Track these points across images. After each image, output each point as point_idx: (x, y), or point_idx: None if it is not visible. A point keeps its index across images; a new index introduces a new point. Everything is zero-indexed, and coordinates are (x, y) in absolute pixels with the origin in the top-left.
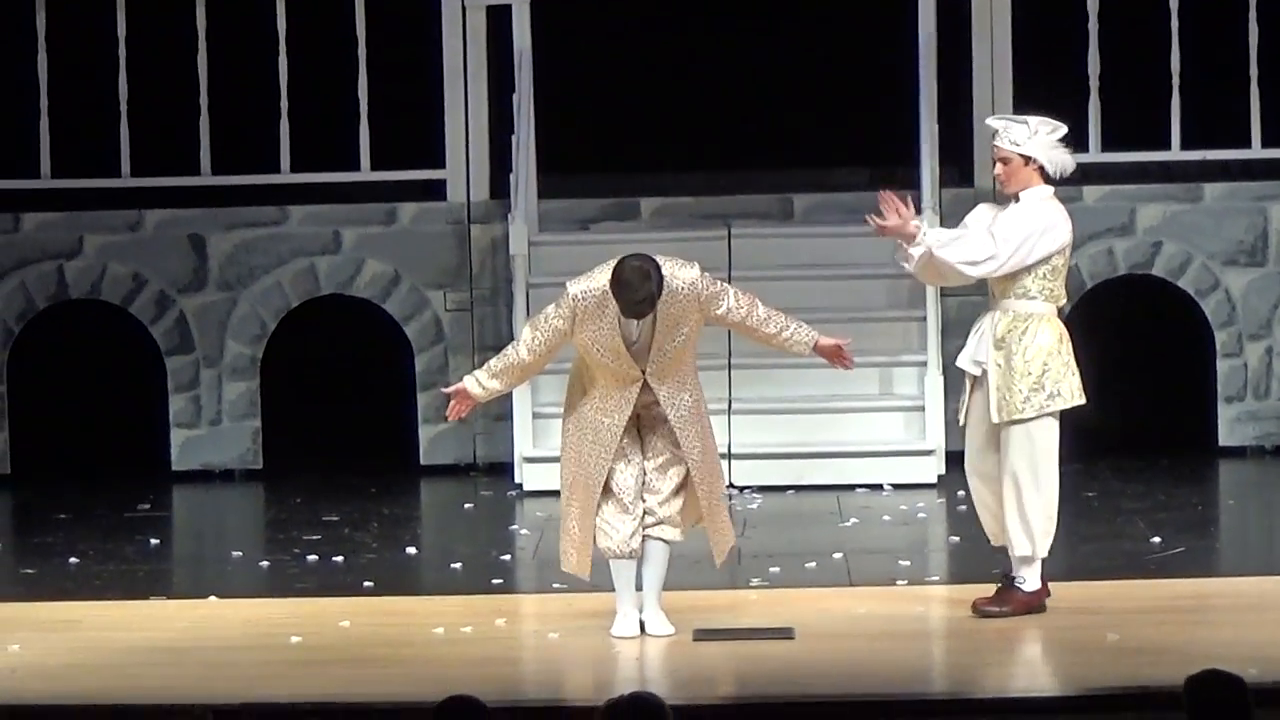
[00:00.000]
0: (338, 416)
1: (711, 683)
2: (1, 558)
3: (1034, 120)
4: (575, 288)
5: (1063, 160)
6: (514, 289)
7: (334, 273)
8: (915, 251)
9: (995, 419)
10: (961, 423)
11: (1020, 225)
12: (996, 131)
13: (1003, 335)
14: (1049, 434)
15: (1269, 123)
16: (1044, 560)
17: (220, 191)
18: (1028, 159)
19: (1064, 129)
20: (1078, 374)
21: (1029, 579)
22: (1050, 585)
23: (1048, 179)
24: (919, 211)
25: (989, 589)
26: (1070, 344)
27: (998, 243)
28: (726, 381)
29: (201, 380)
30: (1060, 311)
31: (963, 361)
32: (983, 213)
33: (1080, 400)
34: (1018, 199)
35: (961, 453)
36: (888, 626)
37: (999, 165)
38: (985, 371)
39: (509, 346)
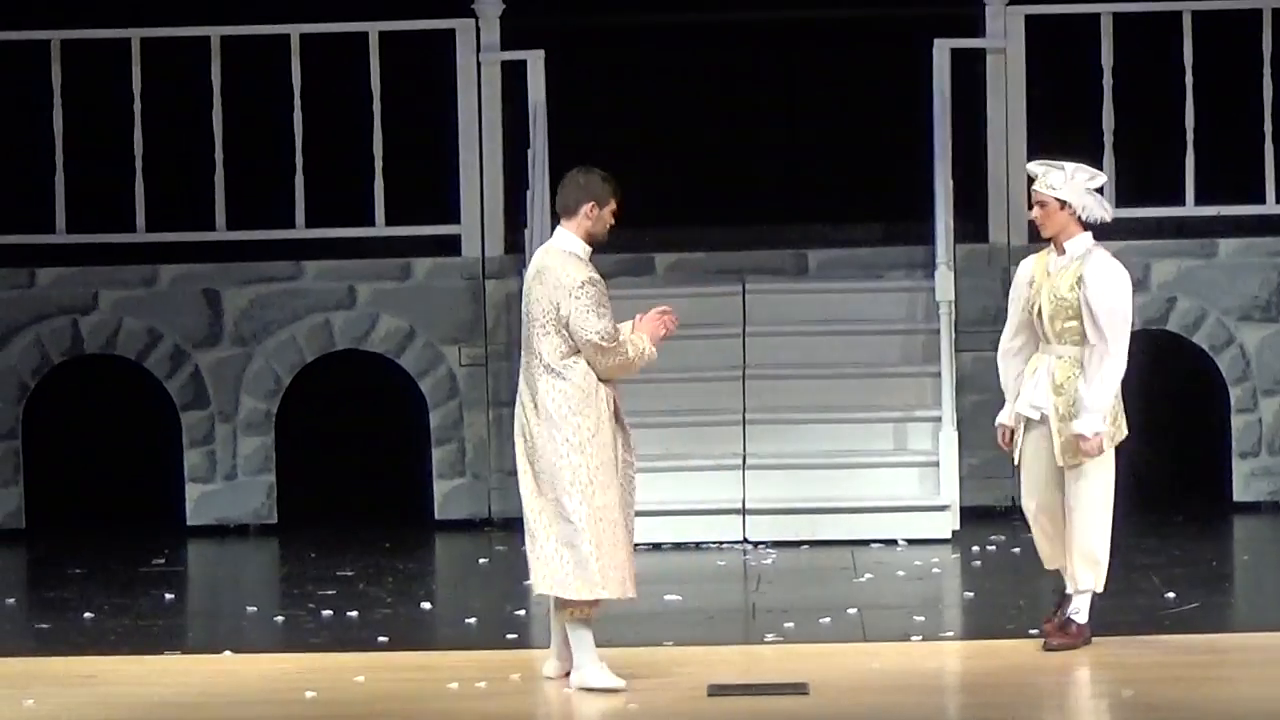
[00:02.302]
0: (352, 471)
1: None
2: (16, 612)
3: (1070, 166)
4: (589, 273)
5: (1095, 207)
6: None
7: (349, 328)
8: (1096, 427)
9: (1060, 462)
10: (1016, 462)
11: (1112, 307)
12: (1035, 176)
13: (1062, 381)
14: (1109, 472)
15: None
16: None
17: (235, 246)
18: (1063, 203)
19: (1102, 177)
20: (1120, 416)
21: (1083, 610)
22: None
23: (1085, 224)
24: (934, 267)
25: (1003, 644)
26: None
27: (1109, 340)
28: (741, 436)
29: (216, 435)
30: None
31: (1021, 406)
32: (1024, 272)
33: (1125, 432)
34: (1062, 249)
35: (976, 508)
36: (902, 682)
37: (1036, 209)
38: (1044, 415)
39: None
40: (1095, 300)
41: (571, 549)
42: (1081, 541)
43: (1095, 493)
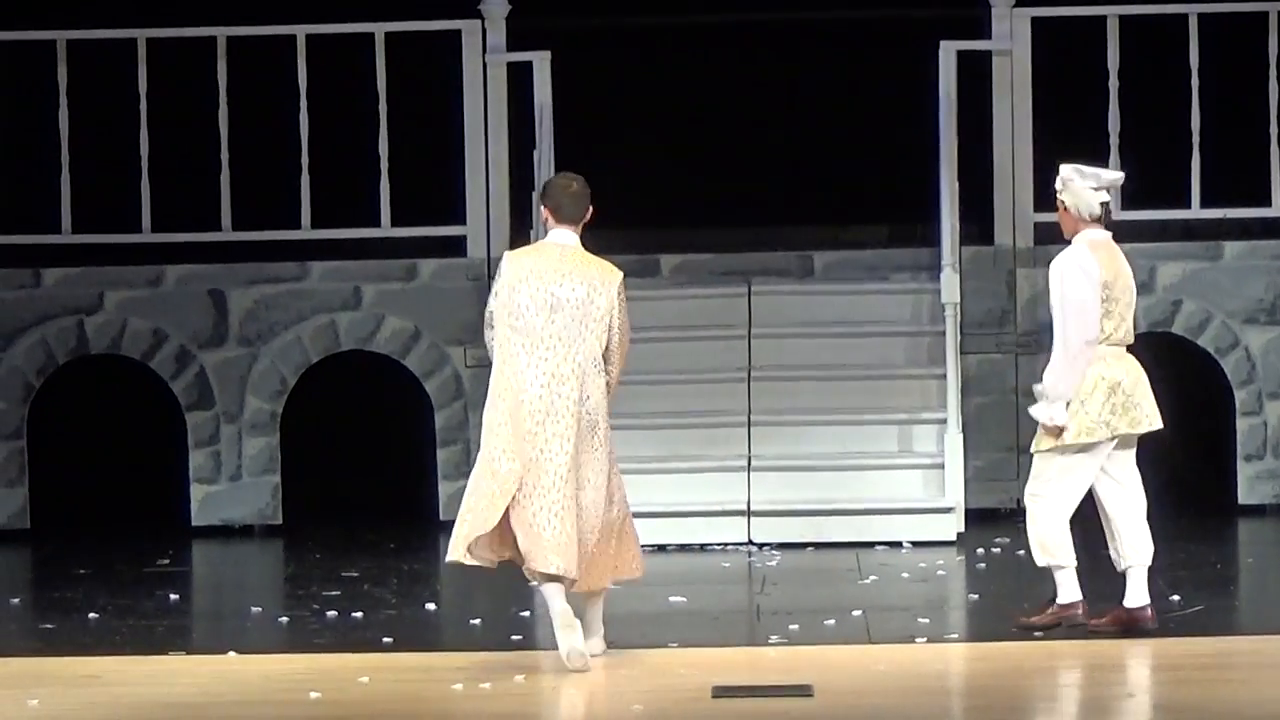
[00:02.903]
0: (357, 472)
1: None
2: (21, 612)
3: (1065, 169)
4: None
5: (1084, 202)
6: None
7: (354, 328)
8: (1059, 404)
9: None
10: None
11: (1054, 297)
12: None
13: (1042, 371)
14: (1062, 463)
15: None
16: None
17: (241, 247)
18: (1065, 206)
19: (1096, 172)
20: (1096, 412)
21: (1060, 593)
22: (1067, 645)
23: (1097, 221)
24: (939, 269)
25: (1008, 647)
26: (1105, 381)
27: (1059, 326)
28: (746, 438)
29: (221, 436)
30: (1132, 349)
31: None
32: None
33: (1082, 439)
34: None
35: (981, 510)
36: (907, 684)
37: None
38: None
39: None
40: (1052, 289)
41: (628, 529)
42: (1030, 522)
43: (1045, 478)
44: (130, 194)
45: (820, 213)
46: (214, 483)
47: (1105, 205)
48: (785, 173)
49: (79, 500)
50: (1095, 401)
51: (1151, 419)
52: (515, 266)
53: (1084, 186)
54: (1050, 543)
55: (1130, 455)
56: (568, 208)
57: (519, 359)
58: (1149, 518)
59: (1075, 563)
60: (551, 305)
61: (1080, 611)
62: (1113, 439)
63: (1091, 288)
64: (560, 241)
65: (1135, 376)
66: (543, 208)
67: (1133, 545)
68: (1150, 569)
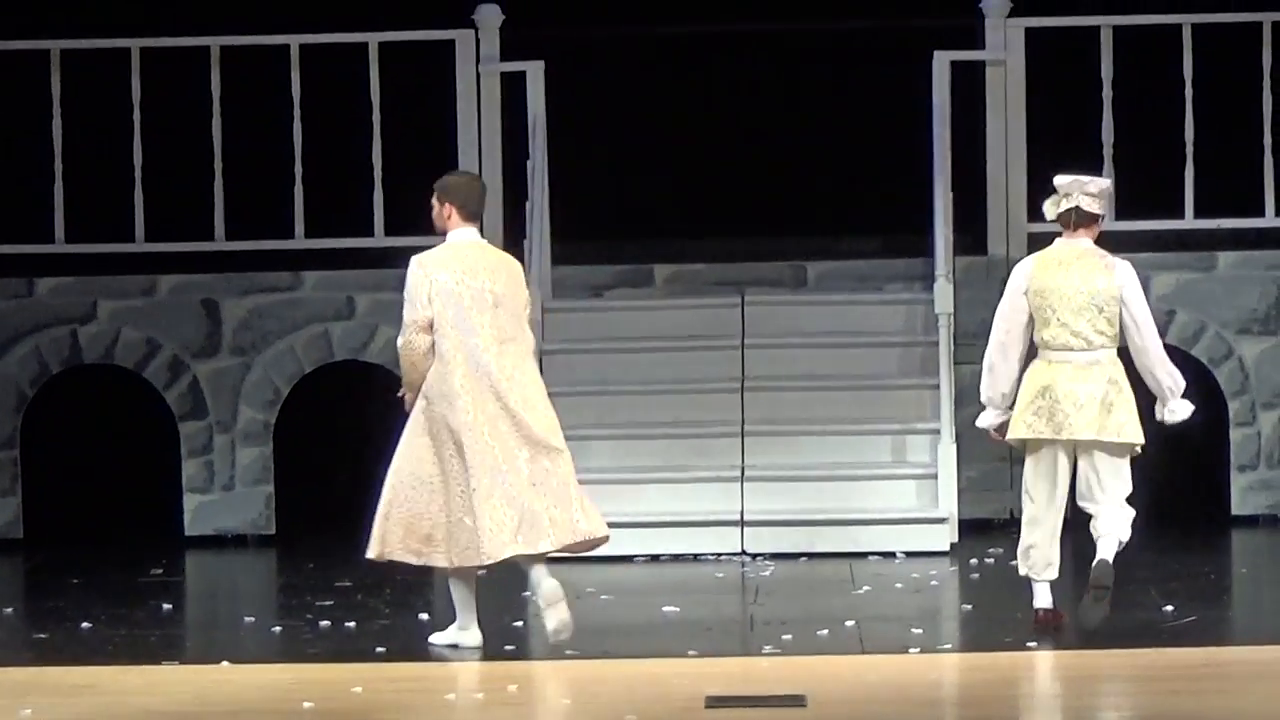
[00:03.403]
0: (351, 482)
1: None
2: (14, 622)
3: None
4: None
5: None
6: None
7: (347, 338)
8: (986, 410)
9: None
10: None
11: None
12: None
13: None
14: (1026, 467)
15: None
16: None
17: (234, 257)
18: None
19: (1056, 181)
20: (1020, 413)
21: (1034, 599)
22: (1062, 654)
23: (1067, 228)
24: (933, 279)
25: (1001, 657)
26: (1031, 384)
27: None
28: (739, 448)
29: (214, 445)
30: (1073, 357)
31: None
32: None
33: (1013, 439)
34: None
35: (974, 521)
36: (900, 694)
37: None
38: None
39: None
40: None
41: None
42: None
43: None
44: (124, 203)
45: (814, 223)
46: (207, 492)
47: (1074, 210)
48: (779, 183)
49: (72, 510)
50: (1023, 402)
51: (1078, 428)
52: (446, 269)
53: (1054, 198)
54: (1027, 551)
55: (1107, 462)
56: (474, 205)
57: (474, 359)
58: (1137, 529)
59: (1049, 576)
60: (494, 302)
61: (1040, 620)
62: (1050, 442)
63: (1009, 297)
64: (473, 239)
65: (1073, 384)
66: (446, 205)
67: (1099, 524)
68: (1146, 580)
